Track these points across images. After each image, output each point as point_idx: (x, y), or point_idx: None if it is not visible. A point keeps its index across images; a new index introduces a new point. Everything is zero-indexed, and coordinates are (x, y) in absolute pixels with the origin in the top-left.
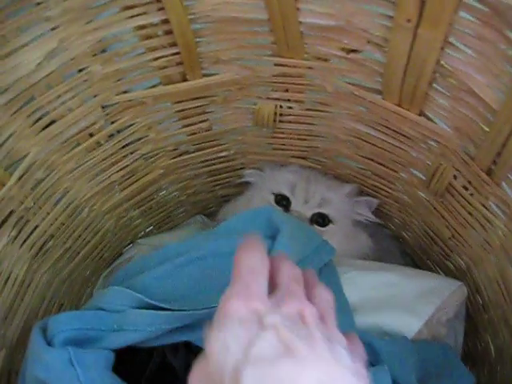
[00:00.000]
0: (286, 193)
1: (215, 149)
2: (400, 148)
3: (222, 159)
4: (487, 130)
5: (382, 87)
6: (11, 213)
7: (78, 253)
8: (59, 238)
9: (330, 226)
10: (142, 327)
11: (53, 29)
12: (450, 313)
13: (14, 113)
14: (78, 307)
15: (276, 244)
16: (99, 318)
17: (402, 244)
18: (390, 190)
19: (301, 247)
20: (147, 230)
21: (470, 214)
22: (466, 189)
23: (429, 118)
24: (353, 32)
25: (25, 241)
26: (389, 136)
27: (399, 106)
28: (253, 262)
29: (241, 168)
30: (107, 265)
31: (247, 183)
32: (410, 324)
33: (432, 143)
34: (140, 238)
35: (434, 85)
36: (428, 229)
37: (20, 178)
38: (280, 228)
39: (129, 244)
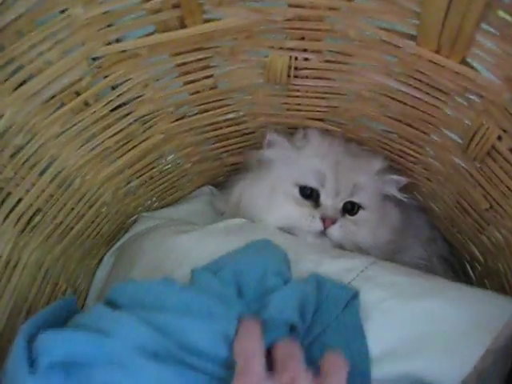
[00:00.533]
0: (315, 185)
1: (222, 110)
2: (434, 105)
3: (229, 122)
4: None
5: (417, 31)
6: None
7: (72, 228)
8: (48, 212)
9: (361, 212)
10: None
11: None
12: (501, 341)
13: None
14: (75, 287)
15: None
16: (97, 345)
17: (429, 216)
18: (418, 156)
19: (313, 298)
20: (150, 201)
21: None
22: None
23: (472, 67)
24: None
25: (7, 216)
26: (421, 91)
27: (437, 53)
28: (251, 346)
29: (251, 132)
30: (107, 241)
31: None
32: (453, 374)
33: (474, 97)
34: (143, 210)
35: (483, 26)
36: (461, 199)
37: None
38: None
39: (130, 217)
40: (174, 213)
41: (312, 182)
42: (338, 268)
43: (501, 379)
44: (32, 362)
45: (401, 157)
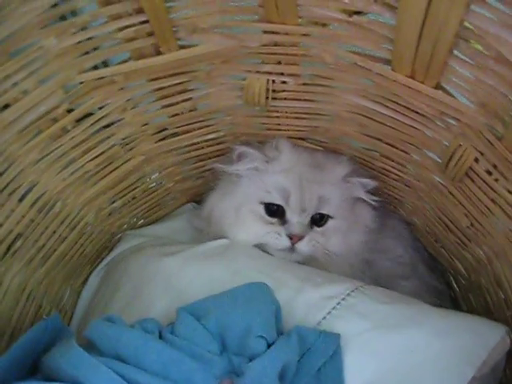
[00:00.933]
0: (279, 202)
1: (202, 130)
2: (412, 127)
3: (210, 142)
4: None
5: (391, 56)
6: None
7: (55, 250)
8: (29, 237)
9: (330, 222)
10: None
11: None
12: (486, 369)
13: None
14: (59, 307)
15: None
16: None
17: (413, 231)
18: (400, 174)
19: (295, 362)
20: (133, 220)
21: (493, 201)
22: (490, 173)
23: (447, 92)
24: None
25: None
26: (399, 113)
27: (412, 77)
28: None
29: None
30: (91, 260)
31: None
32: None
33: (450, 121)
34: (127, 229)
35: (455, 51)
36: (443, 215)
37: None
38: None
39: (115, 236)
40: (158, 230)
41: (277, 200)
42: (318, 296)
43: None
44: None
45: (383, 174)
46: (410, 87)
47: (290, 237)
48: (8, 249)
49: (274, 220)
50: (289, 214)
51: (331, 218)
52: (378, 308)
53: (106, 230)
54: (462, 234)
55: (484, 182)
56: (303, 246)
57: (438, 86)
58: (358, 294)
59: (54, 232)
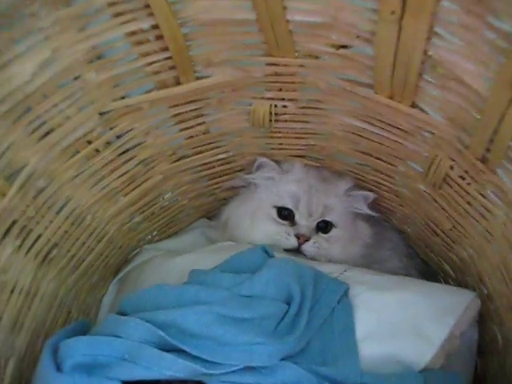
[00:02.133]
0: (290, 206)
1: (213, 151)
2: (396, 141)
3: (221, 161)
4: (478, 117)
5: (373, 81)
6: (14, 223)
7: (84, 260)
8: (63, 246)
9: (333, 230)
10: (158, 368)
11: (45, 39)
12: (464, 326)
13: (13, 123)
14: (85, 315)
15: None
16: (111, 345)
17: (405, 238)
18: (390, 185)
19: (311, 292)
20: (151, 235)
21: (468, 203)
22: (463, 178)
23: (421, 110)
24: (340, 27)
25: (29, 250)
26: (384, 130)
27: (391, 98)
28: None
29: (240, 170)
30: (113, 272)
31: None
32: (423, 352)
33: (426, 134)
34: (145, 243)
35: (424, 76)
36: (429, 221)
37: (21, 188)
38: (292, 292)
39: (134, 250)
40: (172, 244)
41: (288, 204)
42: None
43: (467, 362)
44: (58, 367)
45: (375, 187)
46: (390, 107)
47: (298, 237)
48: (45, 257)
49: (285, 222)
50: (297, 218)
51: (334, 227)
52: (371, 277)
53: (127, 244)
54: (447, 236)
55: (459, 186)
56: (308, 247)
57: (413, 105)
58: (352, 270)
59: (84, 243)
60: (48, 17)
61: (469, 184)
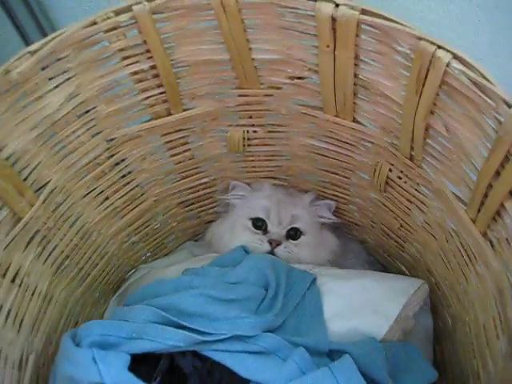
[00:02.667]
0: (262, 216)
1: (198, 176)
2: (346, 155)
3: (203, 185)
4: (400, 122)
5: (321, 104)
6: (37, 232)
7: (89, 274)
8: (74, 259)
9: (302, 237)
10: (161, 340)
11: (72, 77)
12: (416, 307)
13: (41, 145)
14: None
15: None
16: (120, 327)
17: (366, 246)
18: (346, 197)
19: (284, 280)
20: (145, 256)
21: (408, 200)
22: (400, 178)
23: (360, 123)
24: (294, 62)
25: (47, 258)
26: (335, 145)
27: (337, 116)
28: None
29: (220, 193)
30: (113, 289)
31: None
32: (380, 325)
33: (367, 144)
34: (140, 263)
35: (358, 95)
36: (382, 225)
37: (44, 201)
38: (269, 279)
39: (130, 269)
40: (163, 262)
41: (260, 215)
42: None
43: (426, 347)
44: (77, 345)
45: (335, 200)
46: (337, 123)
47: (270, 242)
48: (59, 267)
49: (259, 231)
50: (270, 226)
51: (303, 234)
52: (334, 271)
53: (125, 263)
54: (397, 236)
55: (399, 186)
56: (280, 251)
57: (354, 120)
58: (318, 267)
59: (90, 258)
60: (75, 59)
61: (405, 182)
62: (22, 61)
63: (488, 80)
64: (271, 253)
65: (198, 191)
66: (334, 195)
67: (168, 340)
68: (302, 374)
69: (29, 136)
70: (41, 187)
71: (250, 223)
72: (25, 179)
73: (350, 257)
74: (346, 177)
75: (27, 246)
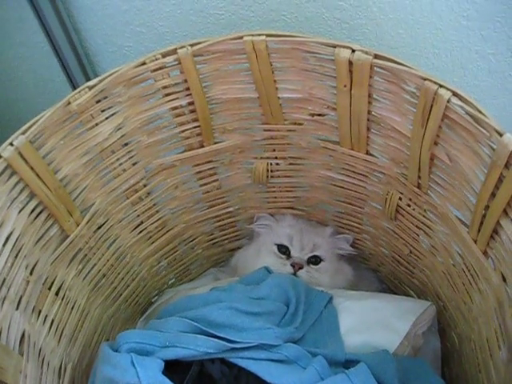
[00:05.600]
0: (286, 243)
1: (223, 205)
2: (359, 185)
3: (228, 215)
4: (408, 153)
5: (338, 138)
6: (79, 250)
7: (121, 294)
8: (109, 278)
9: (322, 263)
10: (193, 347)
11: (120, 110)
12: (424, 327)
13: (90, 170)
14: None
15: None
16: (155, 336)
17: (378, 275)
18: (360, 226)
19: (304, 298)
20: (171, 281)
21: (417, 227)
22: (409, 206)
23: (373, 155)
24: (314, 101)
25: (86, 275)
26: (349, 176)
27: (352, 149)
28: None
29: (243, 222)
30: (141, 311)
31: (252, 234)
32: (392, 340)
33: (379, 175)
34: (166, 288)
35: (371, 129)
36: (393, 253)
37: (88, 221)
38: (290, 296)
39: (157, 293)
40: (189, 286)
41: (284, 242)
42: None
43: (434, 366)
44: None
45: (349, 230)
46: (352, 156)
47: (293, 265)
48: (96, 285)
49: (283, 256)
50: (293, 252)
51: (323, 261)
52: (349, 292)
53: (153, 286)
54: (407, 262)
55: (408, 213)
56: (302, 274)
57: (367, 153)
58: (334, 290)
59: (122, 279)
60: (125, 94)
61: (414, 209)
62: (81, 94)
63: (482, 113)
64: (294, 275)
65: (223, 220)
66: (348, 225)
67: (200, 347)
68: (320, 380)
69: (80, 161)
70: (86, 208)
71: (275, 248)
72: (74, 200)
73: (364, 285)
74: (359, 207)
75: (70, 262)
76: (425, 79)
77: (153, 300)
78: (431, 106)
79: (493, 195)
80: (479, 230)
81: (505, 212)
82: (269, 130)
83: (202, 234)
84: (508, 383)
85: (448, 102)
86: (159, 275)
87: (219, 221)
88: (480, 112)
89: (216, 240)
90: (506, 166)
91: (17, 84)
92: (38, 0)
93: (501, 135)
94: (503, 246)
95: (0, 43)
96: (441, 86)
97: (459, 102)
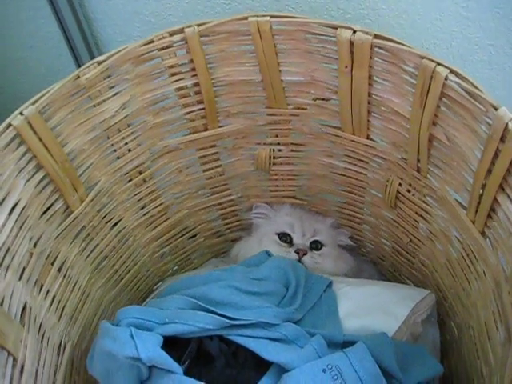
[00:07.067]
0: (288, 231)
1: (226, 192)
2: (360, 172)
3: (231, 202)
4: (407, 136)
5: (340, 123)
6: (83, 228)
7: (122, 278)
8: (111, 260)
9: (324, 248)
10: (192, 322)
11: (128, 87)
12: (423, 315)
13: (95, 147)
14: None
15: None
16: (155, 313)
17: (379, 268)
18: (361, 216)
19: (303, 282)
20: (172, 269)
21: (416, 213)
22: (409, 191)
23: (373, 140)
24: (316, 84)
25: (89, 255)
26: (350, 163)
27: (353, 134)
28: None
29: (245, 212)
30: (142, 298)
31: (251, 225)
32: (390, 324)
33: (380, 161)
34: (167, 276)
35: (372, 113)
36: (393, 243)
37: (92, 199)
38: (290, 278)
39: (158, 281)
40: (191, 274)
41: (286, 229)
42: None
43: (432, 348)
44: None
45: (350, 220)
46: (353, 141)
47: (297, 252)
48: (98, 265)
49: (285, 244)
50: (295, 239)
51: (324, 246)
52: (349, 279)
53: (155, 273)
54: (407, 252)
55: (407, 199)
56: (307, 259)
57: (368, 137)
58: (334, 277)
59: (124, 262)
60: (132, 72)
61: (413, 195)
62: (90, 69)
63: (478, 89)
64: (299, 262)
65: (225, 208)
66: (349, 215)
67: (199, 323)
68: (318, 358)
69: (87, 137)
70: (91, 186)
71: (276, 237)
72: (79, 176)
73: (364, 277)
74: (360, 195)
75: (74, 239)
76: (423, 57)
77: (154, 288)
78: (429, 85)
79: (489, 172)
80: (477, 211)
81: (501, 187)
82: (272, 115)
83: (204, 222)
84: (504, 363)
85: (446, 79)
86: (160, 262)
87: (221, 209)
88: (476, 88)
89: (218, 229)
90: (502, 139)
91: (27, 73)
92: None
93: (496, 109)
94: (500, 224)
95: (12, 32)
96: (438, 63)
97: (456, 79)
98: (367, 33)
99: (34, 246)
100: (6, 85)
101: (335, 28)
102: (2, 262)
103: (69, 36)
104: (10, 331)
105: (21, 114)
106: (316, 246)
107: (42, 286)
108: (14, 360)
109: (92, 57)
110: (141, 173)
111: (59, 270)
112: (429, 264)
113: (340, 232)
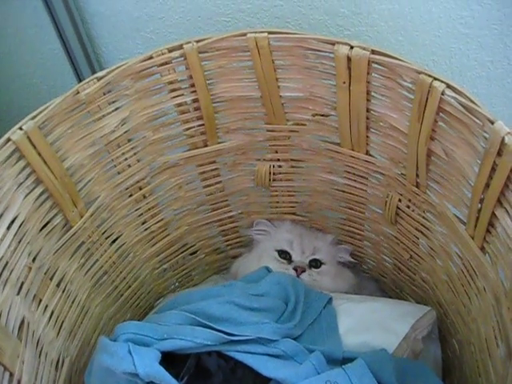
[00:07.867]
0: (287, 248)
1: (226, 208)
2: (360, 188)
3: (231, 219)
4: (405, 151)
5: (339, 139)
6: (82, 243)
7: (122, 295)
8: (110, 276)
9: (323, 266)
10: (191, 338)
11: (127, 103)
12: (424, 331)
13: (95, 162)
14: None
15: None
16: (153, 328)
17: (379, 284)
18: (362, 233)
19: (303, 298)
20: (173, 285)
21: (416, 229)
22: (409, 207)
23: (372, 156)
24: (315, 100)
25: (88, 270)
26: (350, 179)
27: (352, 150)
28: None
29: (245, 229)
30: (142, 314)
31: (252, 242)
32: (391, 341)
33: (379, 176)
34: (168, 293)
35: (370, 128)
36: (394, 259)
37: (92, 215)
38: (289, 294)
39: (158, 298)
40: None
41: (285, 247)
42: None
43: (434, 365)
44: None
45: (351, 237)
46: (352, 156)
47: (296, 269)
48: (97, 281)
49: (284, 261)
50: (294, 256)
51: (324, 264)
52: (349, 296)
53: (155, 290)
54: (408, 268)
55: (407, 215)
56: (305, 277)
57: (367, 153)
58: (334, 293)
59: (124, 278)
60: (132, 88)
61: (413, 211)
62: (89, 84)
63: (475, 103)
64: None
65: (226, 224)
66: (350, 232)
67: (197, 338)
68: (317, 374)
69: (86, 152)
70: (90, 201)
71: (276, 254)
72: (79, 191)
73: (364, 294)
74: (360, 211)
75: (73, 255)
76: (419, 73)
77: (155, 304)
78: (426, 100)
79: (487, 186)
80: (476, 226)
81: (499, 202)
82: (271, 131)
83: (205, 238)
84: (505, 380)
85: (442, 94)
86: (161, 279)
87: (222, 225)
88: (473, 102)
89: (218, 246)
90: (499, 153)
91: (30, 90)
92: (55, 7)
93: (492, 123)
94: (499, 239)
95: (16, 49)
96: (435, 78)
97: (453, 94)
98: (364, 48)
99: (33, 260)
100: (10, 101)
101: (333, 44)
102: (0, 276)
103: (71, 53)
104: (7, 346)
105: (20, 128)
106: (315, 263)
107: (40, 300)
108: (11, 375)
109: (94, 74)
110: (141, 188)
111: (58, 285)
112: (429, 280)
113: (341, 248)
